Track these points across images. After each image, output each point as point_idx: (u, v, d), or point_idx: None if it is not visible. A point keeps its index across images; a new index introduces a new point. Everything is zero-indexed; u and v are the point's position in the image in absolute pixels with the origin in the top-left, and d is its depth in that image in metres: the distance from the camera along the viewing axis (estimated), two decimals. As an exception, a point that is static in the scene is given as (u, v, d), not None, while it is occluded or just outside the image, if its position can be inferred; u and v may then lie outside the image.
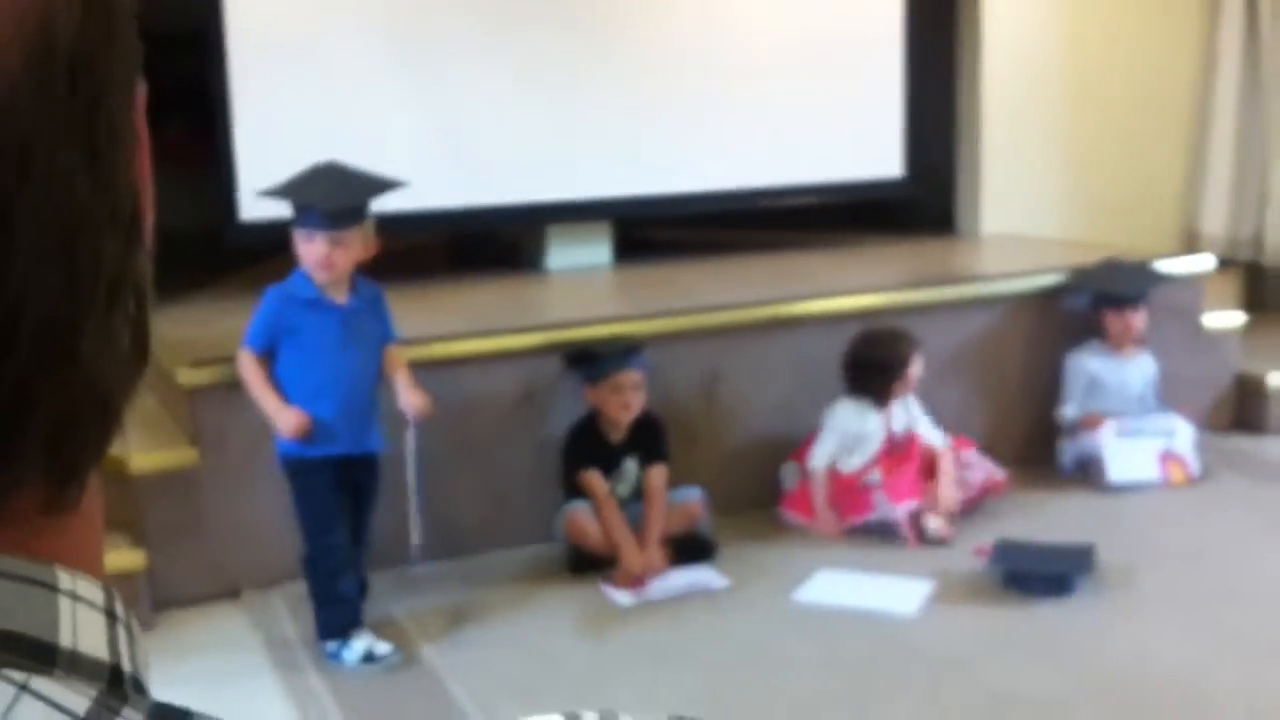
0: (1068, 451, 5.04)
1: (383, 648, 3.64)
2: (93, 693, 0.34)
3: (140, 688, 0.38)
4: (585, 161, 5.59)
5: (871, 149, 6.09)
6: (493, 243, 6.21)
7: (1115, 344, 5.03)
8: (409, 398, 3.73)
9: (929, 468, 4.59)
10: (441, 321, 4.62)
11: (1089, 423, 4.96)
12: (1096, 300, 5.05)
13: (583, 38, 5.56)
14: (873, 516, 4.49)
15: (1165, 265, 5.35)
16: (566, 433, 4.37)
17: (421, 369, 3.98)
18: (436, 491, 4.28)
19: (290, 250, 3.62)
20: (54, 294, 0.37)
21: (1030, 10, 6.21)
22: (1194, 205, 6.61)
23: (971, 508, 4.57)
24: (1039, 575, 3.96)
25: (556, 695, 3.41)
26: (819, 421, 4.64)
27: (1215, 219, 6.53)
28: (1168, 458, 4.90)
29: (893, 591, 4.00)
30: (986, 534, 4.32)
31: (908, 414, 4.67)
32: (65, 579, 0.37)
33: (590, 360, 4.33)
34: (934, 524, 4.41)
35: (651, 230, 6.36)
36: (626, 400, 4.27)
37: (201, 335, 4.29)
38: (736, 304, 4.83)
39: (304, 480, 3.64)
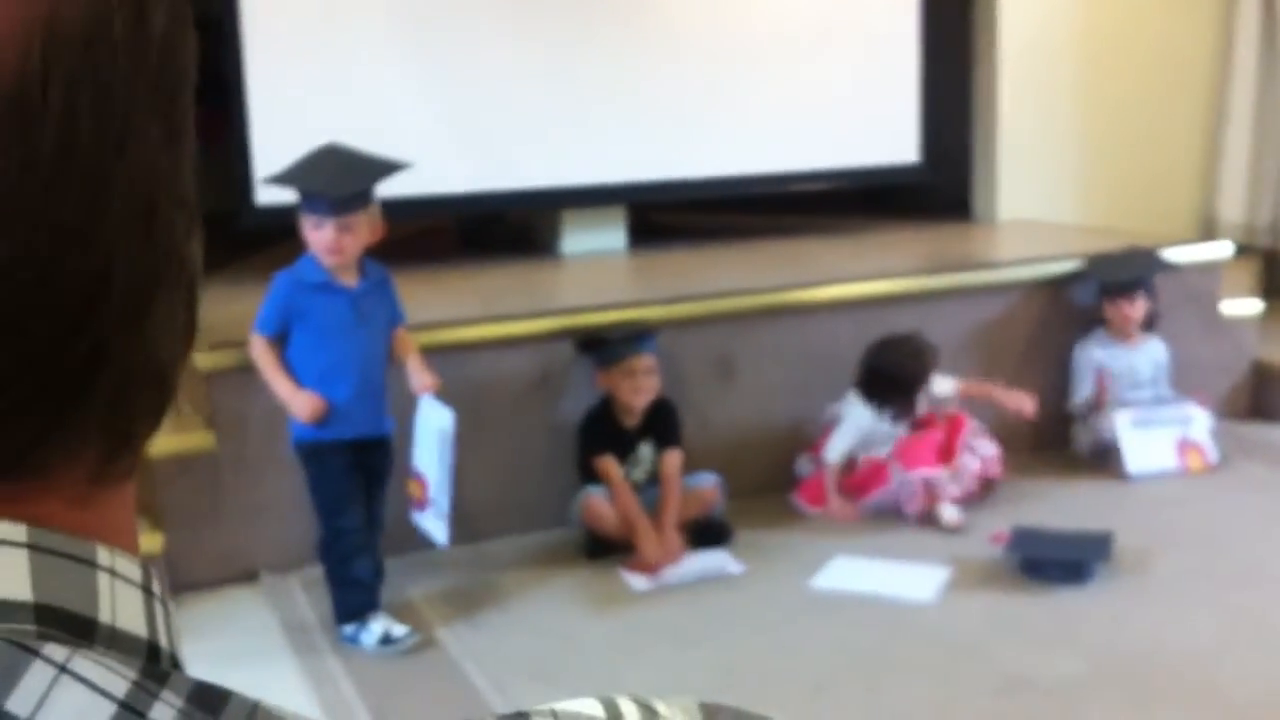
0: (1085, 437, 5.03)
1: (399, 630, 3.64)
2: (131, 674, 0.34)
3: (177, 664, 0.38)
4: (600, 146, 5.58)
5: (887, 134, 6.08)
6: (506, 227, 6.21)
7: (1118, 333, 5.01)
8: (422, 378, 3.73)
9: (950, 442, 4.58)
10: (455, 306, 4.63)
11: (1100, 403, 4.95)
12: (1099, 290, 5.03)
13: (597, 22, 5.54)
14: (889, 489, 4.49)
15: (1182, 252, 5.33)
16: (581, 418, 4.37)
17: (435, 354, 3.98)
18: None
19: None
20: (136, 263, 0.38)
21: (1047, -5, 6.19)
22: (1211, 191, 6.58)
23: (980, 498, 4.55)
24: (1056, 562, 3.95)
25: (573, 678, 3.41)
26: (833, 409, 4.64)
27: (1233, 205, 6.50)
28: (1185, 445, 4.89)
29: (909, 578, 4.00)
30: (1003, 521, 4.31)
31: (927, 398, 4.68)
32: (104, 555, 0.37)
33: (602, 345, 4.33)
34: (948, 513, 4.40)
35: (666, 215, 6.36)
36: (639, 385, 4.27)
37: (217, 319, 4.29)
38: (751, 289, 4.82)
39: (319, 464, 3.64)
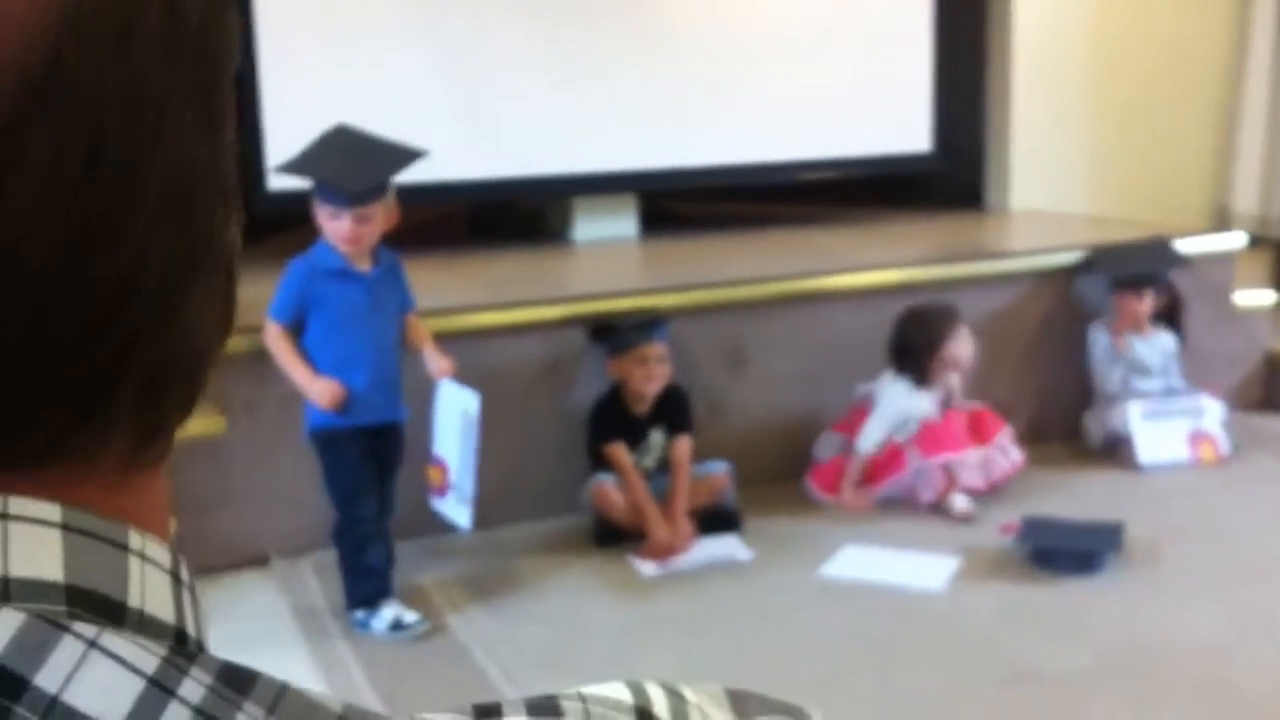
0: (1096, 428, 5.02)
1: (410, 616, 3.65)
2: (161, 651, 0.34)
3: (203, 650, 0.38)
4: (612, 133, 5.57)
5: (899, 123, 6.06)
6: (518, 214, 6.20)
7: (1124, 326, 4.99)
8: (439, 363, 3.73)
9: (976, 428, 4.58)
10: (466, 292, 4.63)
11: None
12: (1109, 281, 5.01)
13: (609, 9, 5.54)
14: (902, 477, 4.49)
15: (1195, 243, 5.32)
16: (591, 405, 4.37)
17: (445, 340, 3.98)
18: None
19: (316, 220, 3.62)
20: (172, 254, 0.38)
21: (1061, -16, 6.16)
22: (1225, 182, 6.56)
23: (988, 493, 4.54)
24: (1066, 552, 3.95)
25: (583, 665, 3.42)
26: (865, 388, 4.63)
27: (1246, 196, 6.48)
28: (1197, 437, 4.87)
29: (919, 567, 3.99)
30: (1014, 511, 4.30)
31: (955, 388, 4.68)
32: (135, 539, 0.37)
33: (614, 333, 4.33)
34: (959, 502, 4.40)
35: (677, 203, 6.35)
36: (651, 372, 4.27)
37: (229, 304, 4.28)
38: (762, 278, 4.81)
39: (335, 452, 3.65)
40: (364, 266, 3.62)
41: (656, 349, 4.29)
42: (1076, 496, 4.51)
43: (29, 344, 0.36)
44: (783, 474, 4.66)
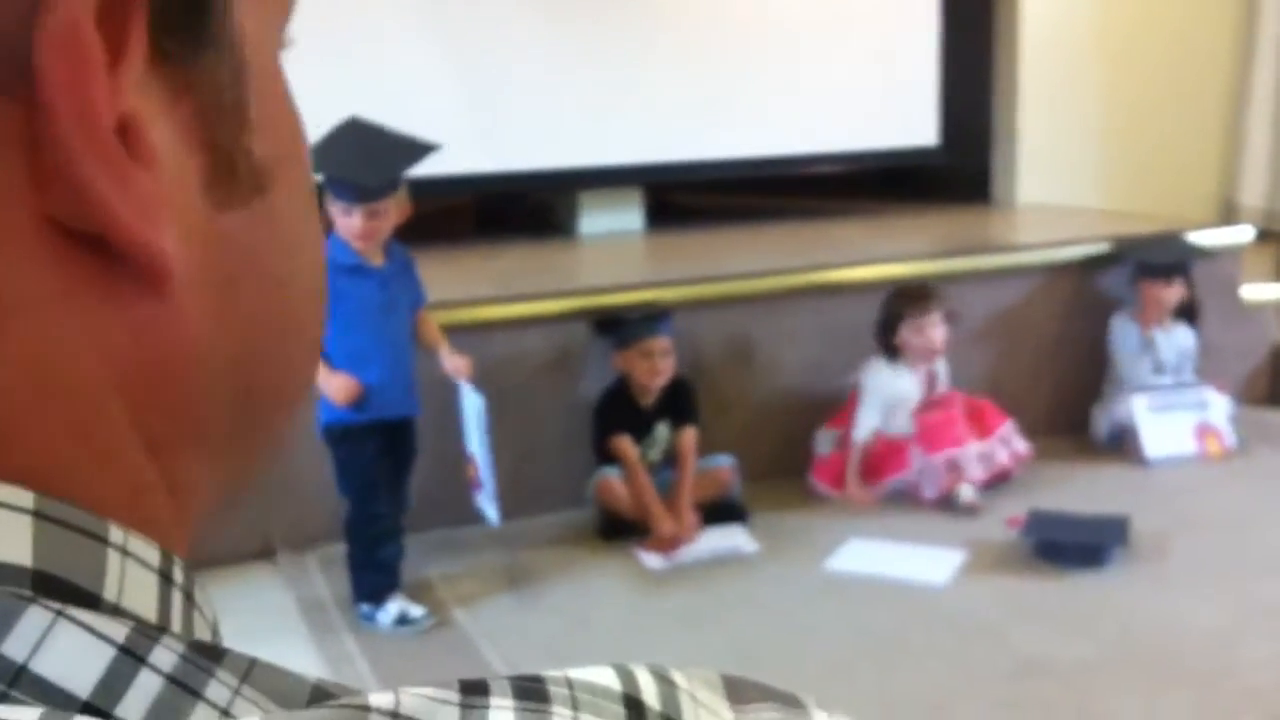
0: (1102, 422, 5.01)
1: (416, 611, 3.65)
2: (130, 623, 0.33)
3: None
4: (618, 127, 5.57)
5: (906, 116, 6.06)
6: (524, 207, 6.20)
7: (1149, 315, 4.99)
8: (454, 361, 3.74)
9: (977, 421, 4.58)
10: (472, 285, 4.63)
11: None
12: (1136, 270, 5.01)
13: (618, 3, 5.53)
14: (909, 472, 4.48)
15: (1202, 236, 5.31)
16: (597, 398, 4.37)
17: (451, 333, 3.98)
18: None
19: (323, 215, 3.62)
20: None
21: (1069, -23, 6.15)
22: (1232, 176, 6.55)
23: (992, 485, 4.54)
24: (1072, 546, 3.94)
25: (589, 658, 3.42)
26: (854, 377, 4.63)
27: (1253, 190, 6.47)
28: (1203, 430, 4.87)
29: (924, 561, 3.99)
30: (1019, 504, 4.30)
31: (942, 373, 4.67)
32: (117, 533, 0.35)
33: (619, 326, 4.33)
34: (966, 492, 4.40)
35: (684, 196, 6.35)
36: (656, 366, 4.27)
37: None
38: (768, 271, 4.81)
39: (349, 447, 3.64)
40: (377, 262, 3.62)
41: (661, 342, 4.29)
42: (1082, 490, 4.51)
43: None
44: (788, 468, 4.66)
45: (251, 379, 0.40)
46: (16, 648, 0.31)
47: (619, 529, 4.20)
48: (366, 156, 3.54)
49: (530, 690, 0.34)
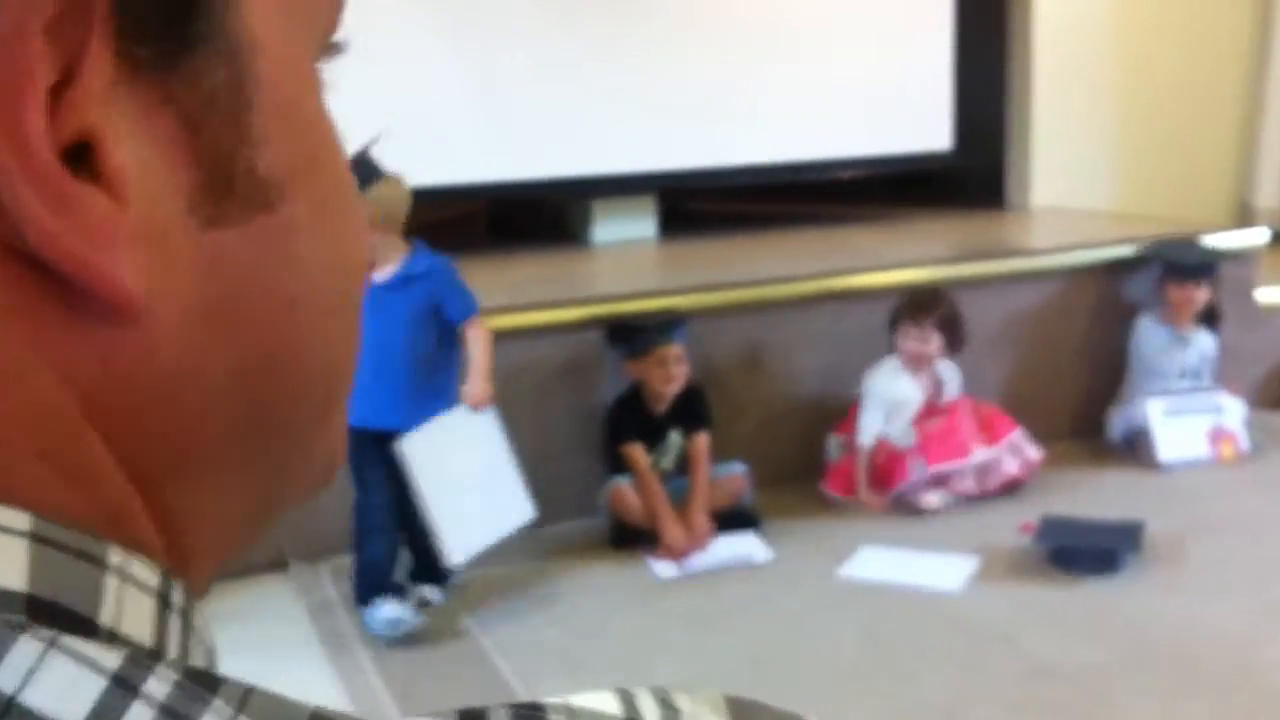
0: (1117, 425, 4.99)
1: (407, 613, 3.68)
2: (124, 651, 0.32)
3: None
4: (631, 134, 5.57)
5: (920, 121, 6.05)
6: (538, 215, 6.21)
7: (1175, 317, 4.96)
8: (468, 386, 3.73)
9: (986, 428, 4.56)
10: (485, 294, 4.61)
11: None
12: (1162, 272, 4.99)
13: (629, 10, 5.54)
14: (909, 482, 4.48)
15: (1218, 239, 5.29)
16: (610, 406, 4.37)
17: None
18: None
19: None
20: None
21: (1082, -20, 6.14)
22: (1247, 178, 6.52)
23: (1010, 490, 4.52)
24: (1085, 551, 3.93)
25: (601, 668, 3.42)
26: (861, 384, 4.63)
27: (1269, 192, 6.44)
28: (1218, 434, 4.85)
29: (937, 568, 3.98)
30: (1032, 510, 4.29)
31: (951, 381, 4.66)
32: (116, 555, 0.35)
33: (632, 335, 4.33)
34: (933, 498, 4.40)
35: (697, 203, 6.35)
36: (671, 373, 4.27)
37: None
38: (782, 278, 4.80)
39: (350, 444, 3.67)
40: (381, 272, 3.62)
41: (675, 350, 4.29)
42: (1097, 495, 4.49)
43: None
44: (801, 475, 4.66)
45: (261, 402, 0.38)
46: (7, 678, 0.30)
47: (631, 537, 4.21)
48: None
49: (530, 718, 0.33)
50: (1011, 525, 4.22)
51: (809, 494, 4.61)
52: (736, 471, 4.38)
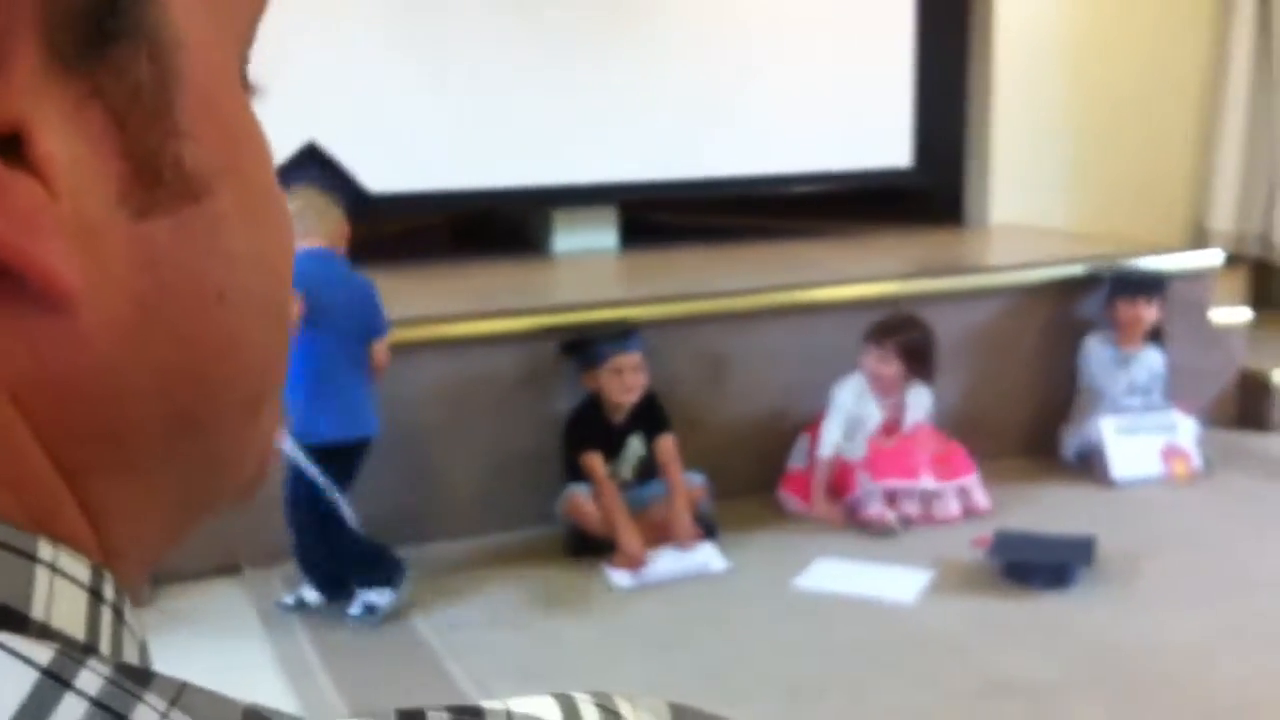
0: (1071, 444, 5.03)
1: (311, 595, 3.81)
2: (55, 646, 0.32)
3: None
4: (592, 145, 5.58)
5: (880, 137, 6.08)
6: (498, 225, 6.20)
7: (1123, 335, 5.01)
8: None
9: (942, 463, 4.56)
10: (445, 302, 4.62)
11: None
12: (1111, 289, 5.03)
13: (591, 21, 5.54)
14: (855, 496, 4.49)
15: (1173, 259, 5.34)
16: (568, 415, 4.37)
17: (423, 349, 3.99)
18: (437, 472, 4.29)
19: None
20: None
21: (1042, 1, 6.19)
22: (1203, 200, 6.59)
23: (935, 523, 4.52)
24: (1039, 566, 3.95)
25: (555, 676, 3.41)
26: (824, 406, 4.64)
27: (1224, 214, 6.51)
28: (1170, 452, 4.89)
29: (892, 580, 4.00)
30: (987, 525, 4.31)
31: (917, 407, 4.67)
32: (46, 549, 0.34)
33: (587, 346, 4.33)
34: (888, 514, 4.40)
35: (658, 215, 6.36)
36: (628, 383, 4.28)
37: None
38: (741, 290, 4.82)
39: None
40: None
41: (631, 359, 4.29)
42: (1050, 511, 4.52)
43: None
44: (759, 486, 4.67)
45: (188, 400, 0.38)
46: None
47: (587, 546, 4.20)
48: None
49: None
50: (966, 539, 4.24)
51: (765, 506, 4.61)
52: (695, 482, 4.39)
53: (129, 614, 0.36)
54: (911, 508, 4.47)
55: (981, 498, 4.56)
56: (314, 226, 3.64)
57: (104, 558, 0.37)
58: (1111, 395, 4.98)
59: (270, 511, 4.05)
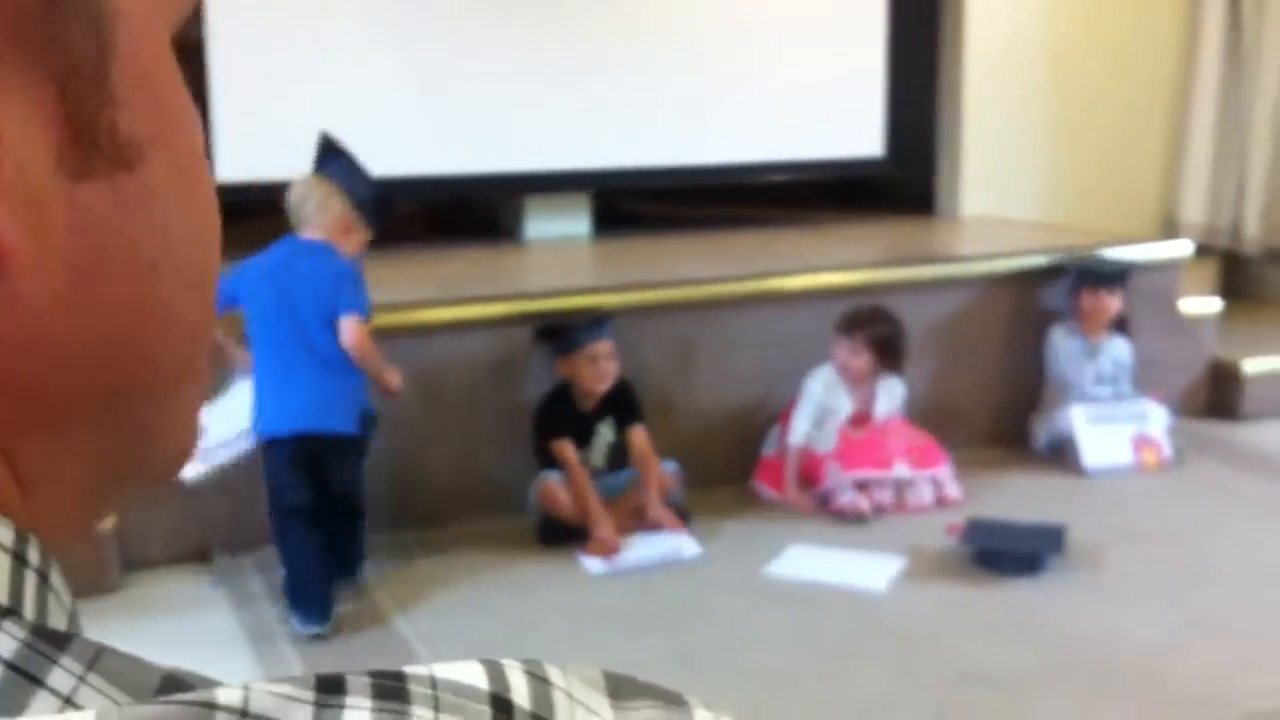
0: (1042, 432, 5.05)
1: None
2: None
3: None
4: (566, 132, 5.56)
5: (853, 127, 6.08)
6: (471, 211, 6.18)
7: (1089, 326, 5.03)
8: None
9: (915, 454, 4.57)
10: (416, 288, 4.60)
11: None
12: (1076, 279, 5.06)
13: (568, 10, 5.52)
14: (825, 487, 4.49)
15: (1143, 250, 5.37)
16: (538, 402, 4.36)
17: (394, 335, 3.97)
18: (409, 459, 4.27)
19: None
20: None
21: (1015, -8, 6.21)
22: (1173, 192, 6.63)
23: (907, 512, 4.53)
24: (1010, 554, 3.97)
25: (526, 663, 3.40)
26: (795, 395, 4.65)
27: (1194, 206, 6.55)
28: (1141, 442, 4.91)
29: (864, 568, 4.01)
30: (959, 513, 4.32)
31: (889, 398, 4.68)
32: None
33: (561, 333, 4.32)
34: (861, 502, 4.41)
35: (632, 203, 6.35)
36: (601, 370, 4.27)
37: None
38: (713, 278, 4.82)
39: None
40: None
41: (604, 346, 4.29)
42: (1021, 499, 4.54)
43: None
44: (732, 474, 4.67)
45: (120, 367, 0.38)
46: None
47: (560, 533, 4.19)
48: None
49: (390, 690, 0.32)
50: (938, 526, 4.25)
51: (738, 493, 4.62)
52: (667, 470, 4.38)
53: (56, 579, 0.36)
54: (884, 496, 4.48)
55: (954, 489, 4.57)
56: (311, 217, 3.61)
57: (30, 523, 0.36)
58: (1078, 385, 5.00)
59: (239, 500, 4.03)
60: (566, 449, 4.24)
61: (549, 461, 4.26)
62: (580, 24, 5.56)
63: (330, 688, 0.31)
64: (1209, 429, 5.32)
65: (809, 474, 4.56)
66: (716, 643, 3.55)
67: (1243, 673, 3.32)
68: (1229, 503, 4.54)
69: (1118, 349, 5.09)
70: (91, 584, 3.65)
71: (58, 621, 0.35)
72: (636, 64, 5.65)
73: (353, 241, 3.66)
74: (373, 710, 0.31)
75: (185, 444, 0.43)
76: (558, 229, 5.75)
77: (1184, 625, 3.60)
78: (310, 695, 0.31)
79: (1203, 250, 6.01)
